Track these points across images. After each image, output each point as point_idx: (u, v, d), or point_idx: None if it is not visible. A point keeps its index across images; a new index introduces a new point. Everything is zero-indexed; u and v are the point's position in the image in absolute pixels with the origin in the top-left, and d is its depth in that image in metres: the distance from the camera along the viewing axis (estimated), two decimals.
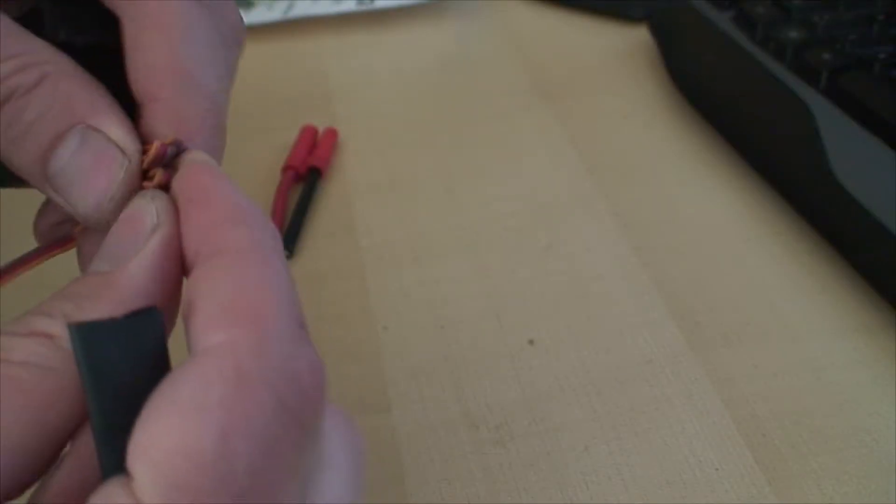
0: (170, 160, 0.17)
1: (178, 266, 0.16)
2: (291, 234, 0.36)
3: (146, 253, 0.16)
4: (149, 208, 0.16)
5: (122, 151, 0.17)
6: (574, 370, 0.30)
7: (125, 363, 0.14)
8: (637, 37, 0.50)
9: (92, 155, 0.17)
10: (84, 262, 0.19)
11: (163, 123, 0.18)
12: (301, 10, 0.51)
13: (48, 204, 0.20)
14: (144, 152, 0.17)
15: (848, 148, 0.34)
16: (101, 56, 0.18)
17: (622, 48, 0.49)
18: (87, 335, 0.14)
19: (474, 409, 0.29)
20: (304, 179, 0.39)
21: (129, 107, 0.18)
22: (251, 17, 0.51)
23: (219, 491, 0.12)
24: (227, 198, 0.16)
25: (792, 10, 0.41)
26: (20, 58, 0.16)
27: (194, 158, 0.17)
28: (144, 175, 0.17)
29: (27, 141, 0.17)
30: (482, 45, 0.51)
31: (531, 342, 0.32)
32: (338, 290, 0.34)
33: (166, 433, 0.12)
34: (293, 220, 0.37)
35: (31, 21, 0.18)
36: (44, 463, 0.14)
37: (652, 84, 0.46)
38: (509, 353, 0.31)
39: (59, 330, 0.15)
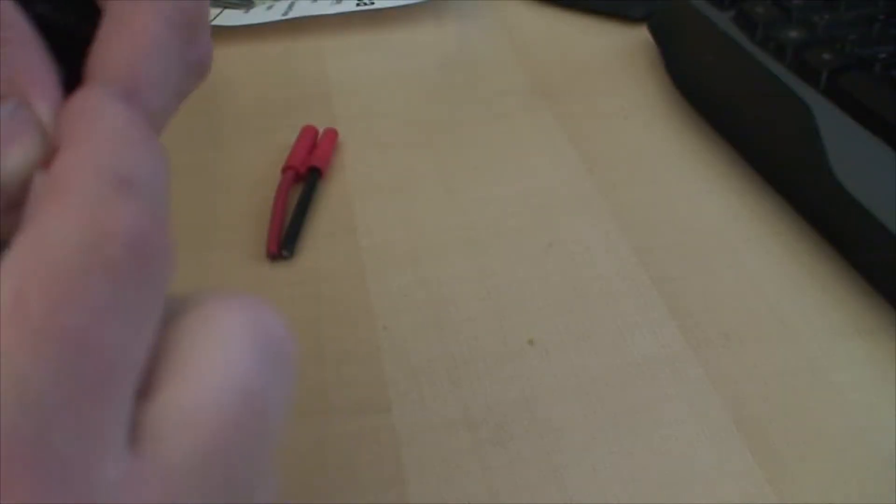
0: None
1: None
2: (291, 234, 0.36)
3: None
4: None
5: (44, 136, 0.17)
6: (574, 370, 0.30)
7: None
8: (637, 37, 0.50)
9: (17, 127, 0.17)
10: None
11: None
12: (301, 10, 0.51)
13: None
14: None
15: (848, 148, 0.34)
16: (66, 41, 0.18)
17: (622, 48, 0.49)
18: None
19: (474, 409, 0.29)
20: (304, 179, 0.39)
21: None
22: (251, 17, 0.51)
23: (22, 340, 0.12)
24: (77, 104, 0.17)
25: (792, 10, 0.41)
26: None
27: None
28: None
29: None
30: (482, 45, 0.51)
31: (531, 342, 0.32)
32: (338, 290, 0.34)
33: None
34: (293, 220, 0.37)
35: None
36: None
37: (652, 84, 0.46)
38: (509, 353, 0.31)
39: None
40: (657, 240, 0.36)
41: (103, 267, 0.13)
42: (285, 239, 0.36)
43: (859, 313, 0.32)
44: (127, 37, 0.18)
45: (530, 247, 0.36)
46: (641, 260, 0.35)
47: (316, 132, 0.42)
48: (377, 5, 0.52)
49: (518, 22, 0.53)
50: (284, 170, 0.39)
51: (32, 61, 0.17)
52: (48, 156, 0.17)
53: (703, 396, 0.29)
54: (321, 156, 0.40)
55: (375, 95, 0.46)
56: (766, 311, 0.32)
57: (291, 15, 0.51)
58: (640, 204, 0.38)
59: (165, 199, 0.16)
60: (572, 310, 0.33)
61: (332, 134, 0.42)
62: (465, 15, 0.54)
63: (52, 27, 0.18)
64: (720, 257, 0.35)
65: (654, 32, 0.47)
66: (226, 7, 0.52)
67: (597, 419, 0.29)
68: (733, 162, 0.39)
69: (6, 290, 0.13)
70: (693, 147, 0.41)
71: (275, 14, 0.51)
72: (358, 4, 0.52)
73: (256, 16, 0.51)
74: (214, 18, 0.51)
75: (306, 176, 0.39)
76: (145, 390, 0.14)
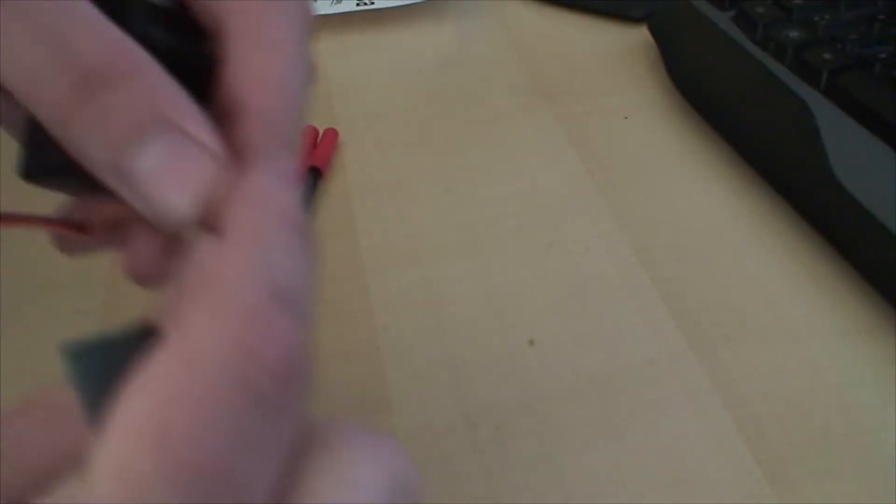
0: None
1: None
2: None
3: None
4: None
5: (213, 155, 0.16)
6: (574, 370, 0.30)
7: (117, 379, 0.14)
8: (637, 37, 0.50)
9: (179, 155, 0.16)
10: (129, 265, 0.18)
11: (254, 132, 0.17)
12: None
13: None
14: None
15: (848, 148, 0.34)
16: (178, 63, 0.17)
17: (622, 48, 0.49)
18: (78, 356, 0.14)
19: (474, 409, 0.29)
20: (304, 179, 0.39)
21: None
22: None
23: (162, 471, 0.12)
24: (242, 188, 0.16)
25: (792, 10, 0.41)
26: (111, 44, 0.15)
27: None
28: None
29: (105, 127, 0.15)
30: (482, 45, 0.51)
31: (531, 342, 0.32)
32: (338, 290, 0.34)
33: (117, 419, 0.13)
34: None
35: (111, 12, 0.16)
36: None
37: (652, 84, 0.46)
38: (509, 353, 0.31)
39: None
40: (657, 240, 0.36)
41: (251, 395, 0.13)
42: None
43: (859, 313, 0.32)
44: (277, 65, 0.17)
45: (530, 247, 0.36)
46: (641, 260, 0.35)
47: (316, 132, 0.42)
48: (377, 5, 0.52)
49: (518, 22, 0.53)
50: None
51: (166, 86, 0.16)
52: (223, 182, 0.16)
53: (703, 396, 0.29)
54: (321, 156, 0.40)
55: (375, 95, 0.46)
56: (766, 311, 0.32)
57: None
58: (640, 204, 0.38)
59: (313, 309, 0.16)
60: (572, 310, 0.33)
61: (332, 134, 0.42)
62: (465, 15, 0.54)
63: (160, 51, 0.16)
64: (720, 257, 0.35)
65: (654, 32, 0.47)
66: None
67: (597, 419, 0.29)
68: (733, 162, 0.39)
69: (149, 411, 0.12)
70: (693, 147, 0.41)
71: None
72: (358, 4, 0.52)
73: None
74: None
75: (306, 176, 0.39)
76: None
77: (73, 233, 0.18)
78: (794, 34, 0.40)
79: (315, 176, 0.39)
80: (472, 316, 0.33)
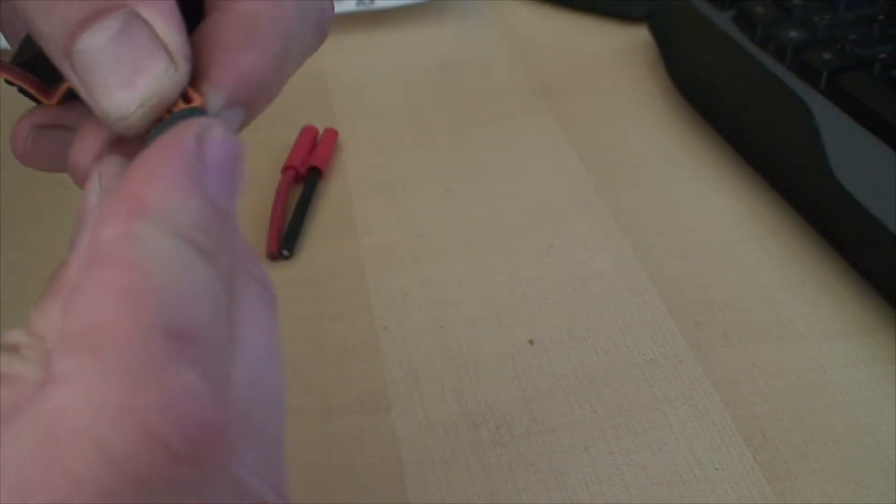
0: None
1: None
2: (291, 234, 0.36)
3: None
4: (94, 181, 0.14)
5: (170, 56, 0.14)
6: (574, 370, 0.30)
7: None
8: (637, 37, 0.50)
9: (133, 47, 0.14)
10: (72, 159, 0.16)
11: (215, 76, 0.15)
12: None
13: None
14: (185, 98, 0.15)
15: (848, 148, 0.34)
16: None
17: (622, 48, 0.49)
18: None
19: (474, 409, 0.29)
20: (304, 179, 0.39)
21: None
22: None
23: None
24: (132, 184, 0.13)
25: (792, 10, 0.41)
26: None
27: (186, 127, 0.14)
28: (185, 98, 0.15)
29: (61, 5, 0.14)
30: (482, 45, 0.51)
31: (531, 342, 0.32)
32: (338, 290, 0.34)
33: None
34: (293, 220, 0.37)
35: None
36: None
37: (652, 84, 0.46)
38: (509, 353, 0.31)
39: (23, 340, 0.13)
40: (657, 240, 0.36)
41: (150, 492, 0.10)
42: (285, 239, 0.36)
43: (859, 313, 0.32)
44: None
45: (530, 247, 0.36)
46: (641, 260, 0.35)
47: (316, 132, 0.42)
48: (377, 5, 0.52)
49: (518, 22, 0.53)
50: (284, 170, 0.39)
51: None
52: (174, 88, 0.14)
53: (703, 396, 0.29)
54: (321, 156, 0.40)
55: (375, 95, 0.46)
56: (766, 311, 0.32)
57: None
58: (640, 204, 0.38)
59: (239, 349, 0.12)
60: (572, 310, 0.33)
61: (332, 134, 0.42)
62: (465, 15, 0.54)
63: None
64: (720, 257, 0.35)
65: (654, 32, 0.47)
66: None
67: (597, 419, 0.29)
68: (733, 162, 0.39)
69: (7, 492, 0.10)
70: (693, 147, 0.41)
71: None
72: (358, 4, 0.52)
73: None
74: None
75: (306, 176, 0.39)
76: None
77: (35, 90, 0.17)
78: (794, 34, 0.40)
79: (315, 176, 0.39)
80: (472, 316, 0.33)
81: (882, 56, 0.37)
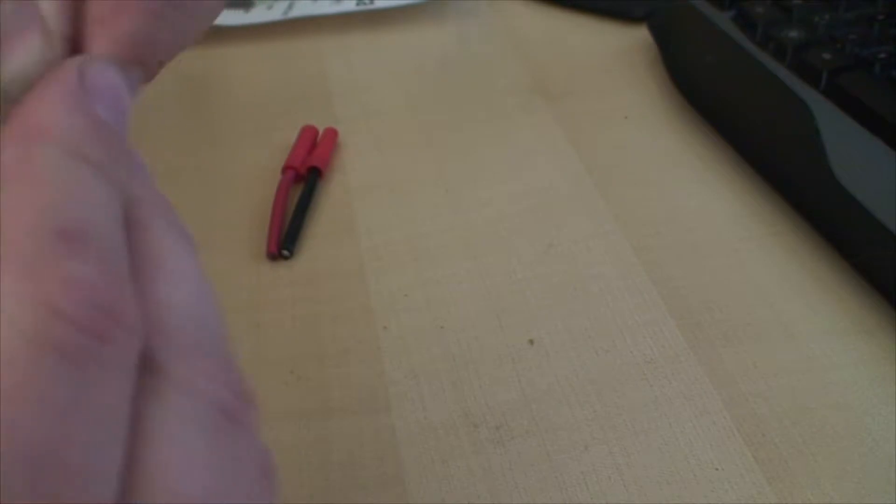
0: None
1: None
2: (291, 234, 0.36)
3: None
4: None
5: (47, 33, 0.15)
6: (574, 370, 0.30)
7: None
8: (637, 37, 0.50)
9: (15, 22, 0.15)
10: None
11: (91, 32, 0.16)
12: (301, 10, 0.51)
13: None
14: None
15: (848, 148, 0.34)
16: None
17: (622, 48, 0.49)
18: None
19: (474, 409, 0.29)
20: (304, 179, 0.39)
21: None
22: (251, 17, 0.51)
23: None
24: (30, 109, 0.14)
25: (792, 10, 0.41)
26: None
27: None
28: None
29: None
30: (482, 45, 0.51)
31: (531, 342, 0.32)
32: (338, 290, 0.34)
33: None
34: (293, 220, 0.37)
35: None
36: None
37: (652, 84, 0.46)
38: (509, 353, 0.31)
39: None
40: (657, 240, 0.36)
41: (59, 356, 0.11)
42: (285, 239, 0.36)
43: (859, 313, 0.32)
44: None
45: (530, 247, 0.36)
46: (641, 260, 0.35)
47: (316, 132, 0.42)
48: (377, 5, 0.52)
49: (518, 22, 0.53)
50: (284, 170, 0.39)
51: None
52: (55, 56, 0.15)
53: (703, 396, 0.29)
54: (321, 156, 0.40)
55: (375, 95, 0.46)
56: (766, 311, 0.32)
57: (291, 15, 0.51)
58: (640, 204, 0.38)
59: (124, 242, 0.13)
60: (572, 310, 0.33)
61: (332, 134, 0.42)
62: (465, 15, 0.54)
63: None
64: (720, 257, 0.35)
65: (654, 32, 0.47)
66: (226, 7, 0.52)
67: (597, 419, 0.29)
68: (733, 162, 0.39)
69: None
70: (693, 147, 0.41)
71: (275, 14, 0.51)
72: (358, 4, 0.52)
73: (256, 16, 0.51)
74: None
75: (306, 176, 0.39)
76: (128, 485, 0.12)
77: None
78: (794, 34, 0.40)
79: (315, 176, 0.39)
80: (472, 316, 0.33)
81: (882, 56, 0.37)
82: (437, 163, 0.41)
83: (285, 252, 0.36)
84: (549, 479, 0.27)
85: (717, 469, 0.27)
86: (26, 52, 0.15)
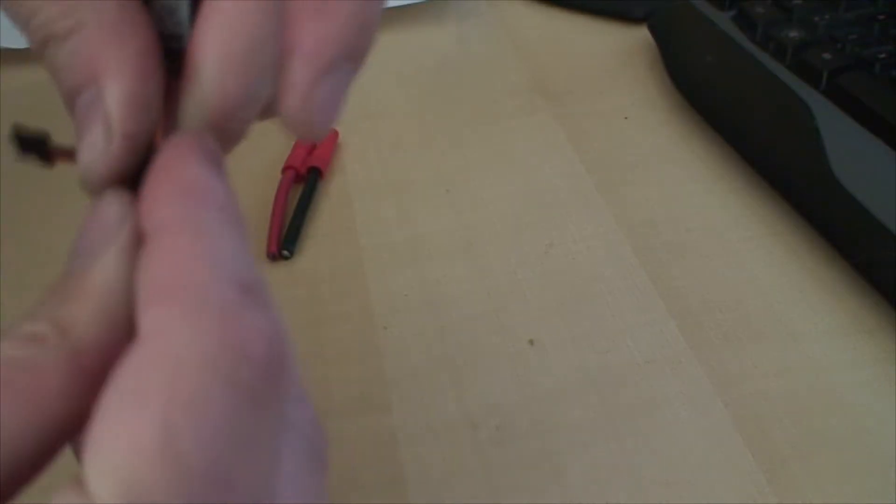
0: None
1: None
2: (291, 234, 0.36)
3: (115, 249, 0.15)
4: (114, 198, 0.16)
5: (108, 130, 0.16)
6: (574, 370, 0.30)
7: None
8: (637, 37, 0.50)
9: (89, 120, 0.16)
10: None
11: (183, 107, 0.17)
12: None
13: None
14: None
15: (848, 148, 0.34)
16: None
17: (622, 48, 0.49)
18: None
19: (474, 409, 0.29)
20: (304, 179, 0.39)
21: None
22: None
23: (173, 482, 0.12)
24: (174, 175, 0.15)
25: (792, 10, 0.41)
26: (61, 3, 0.16)
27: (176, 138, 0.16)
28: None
29: (59, 83, 0.16)
30: (482, 45, 0.51)
31: (531, 342, 0.32)
32: (338, 290, 0.34)
33: (110, 430, 0.12)
34: (293, 220, 0.37)
35: None
36: (39, 465, 0.14)
37: (652, 84, 0.46)
38: (509, 353, 0.31)
39: (46, 330, 0.14)
40: (657, 240, 0.36)
41: (244, 393, 0.13)
42: (285, 239, 0.36)
43: (859, 313, 0.32)
44: None
45: (530, 247, 0.36)
46: (641, 260, 0.35)
47: None
48: None
49: (518, 22, 0.53)
50: (284, 170, 0.39)
51: (111, 41, 0.16)
52: (113, 159, 0.16)
53: (703, 396, 0.29)
54: (321, 156, 0.40)
55: (375, 96, 0.46)
56: (766, 311, 0.32)
57: None
58: (640, 204, 0.38)
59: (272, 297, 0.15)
60: (572, 310, 0.33)
61: (332, 134, 0.42)
62: (465, 15, 0.54)
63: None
64: (720, 257, 0.35)
65: (654, 32, 0.47)
66: None
67: (597, 419, 0.29)
68: (733, 162, 0.39)
69: (148, 421, 0.12)
70: (693, 147, 0.41)
71: None
72: None
73: None
74: None
75: (306, 176, 0.39)
76: None
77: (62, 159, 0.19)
78: (794, 34, 0.40)
79: (315, 176, 0.39)
80: (472, 316, 0.33)
81: (882, 56, 0.37)
82: (437, 163, 0.41)
83: (285, 252, 0.36)
84: (549, 479, 0.27)
85: (717, 469, 0.27)
86: (91, 152, 0.16)
